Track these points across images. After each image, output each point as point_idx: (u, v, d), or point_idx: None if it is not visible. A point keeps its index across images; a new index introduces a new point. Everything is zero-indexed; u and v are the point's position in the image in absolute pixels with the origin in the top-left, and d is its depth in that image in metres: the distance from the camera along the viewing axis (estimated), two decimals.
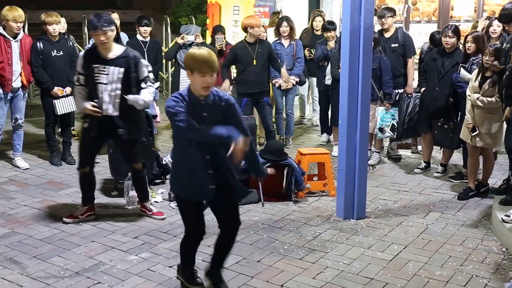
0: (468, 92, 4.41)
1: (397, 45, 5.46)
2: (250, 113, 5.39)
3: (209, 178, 2.79)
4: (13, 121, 5.06)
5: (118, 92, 3.68)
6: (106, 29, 3.60)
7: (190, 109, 2.71)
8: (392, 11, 5.59)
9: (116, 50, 3.72)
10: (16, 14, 4.72)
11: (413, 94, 5.37)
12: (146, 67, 3.81)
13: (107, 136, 3.86)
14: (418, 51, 6.07)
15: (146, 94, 3.76)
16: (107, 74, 3.66)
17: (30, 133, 6.25)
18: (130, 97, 3.69)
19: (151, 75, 3.86)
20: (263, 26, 5.99)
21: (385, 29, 5.46)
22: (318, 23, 6.40)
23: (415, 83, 5.68)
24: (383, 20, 5.41)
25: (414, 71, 5.58)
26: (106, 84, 3.67)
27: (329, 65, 5.69)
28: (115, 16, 5.72)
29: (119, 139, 3.83)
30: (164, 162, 4.82)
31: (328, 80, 5.97)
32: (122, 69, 3.67)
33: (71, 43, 5.35)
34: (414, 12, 7.61)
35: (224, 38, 5.99)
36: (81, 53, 3.90)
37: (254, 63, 5.31)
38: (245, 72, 5.35)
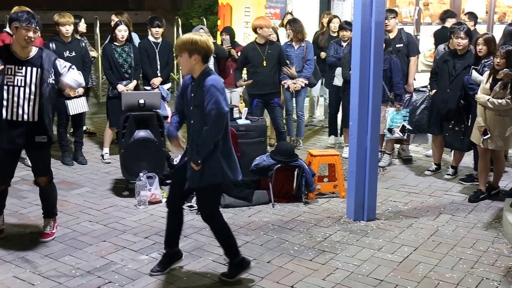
0: (478, 94, 4.38)
1: (401, 45, 5.48)
2: (261, 114, 5.40)
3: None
4: None
5: (36, 95, 3.38)
6: (38, 28, 3.31)
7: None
8: (394, 12, 5.65)
9: (33, 51, 3.41)
10: None
11: (413, 93, 5.37)
12: (64, 65, 3.55)
13: (18, 145, 3.50)
14: (429, 53, 6.05)
15: (73, 73, 3.51)
16: (23, 76, 3.34)
17: None
18: (63, 79, 3.44)
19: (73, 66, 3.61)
20: (273, 27, 6.01)
21: (388, 31, 5.47)
22: (335, 24, 6.40)
23: (418, 83, 5.68)
24: (386, 21, 5.41)
25: (415, 70, 5.58)
26: (21, 86, 3.35)
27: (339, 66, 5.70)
28: (125, 17, 5.78)
29: (31, 148, 3.54)
30: (175, 163, 4.85)
31: (337, 81, 5.97)
32: (39, 70, 3.36)
33: (83, 44, 5.41)
34: (425, 12, 7.57)
35: (234, 38, 6.01)
36: None
37: (264, 64, 5.33)
38: (256, 73, 5.38)
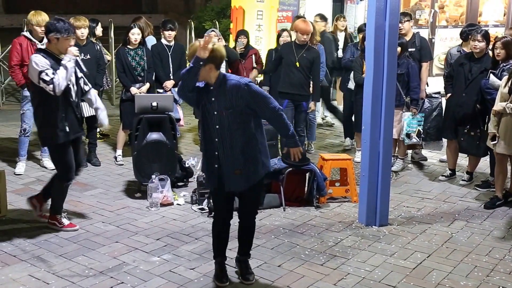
0: (495, 106, 4.31)
1: (413, 49, 5.43)
2: (292, 116, 5.35)
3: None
4: None
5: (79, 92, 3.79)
6: (74, 36, 3.76)
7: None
8: (408, 15, 5.58)
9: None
10: (39, 19, 4.84)
11: (426, 99, 5.31)
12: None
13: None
14: (443, 56, 5.99)
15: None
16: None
17: None
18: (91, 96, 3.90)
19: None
20: (286, 30, 6.01)
21: (402, 34, 5.42)
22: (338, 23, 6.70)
23: (432, 87, 5.63)
24: (400, 25, 5.37)
25: (427, 75, 5.53)
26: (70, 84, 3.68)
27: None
28: (143, 21, 5.85)
29: (78, 141, 3.86)
30: (186, 165, 4.87)
31: (351, 84, 5.93)
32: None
33: (98, 47, 5.46)
34: (442, 15, 7.50)
35: (248, 42, 6.03)
36: (41, 55, 3.61)
37: (298, 65, 5.31)
38: (288, 72, 5.36)
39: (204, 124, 3.08)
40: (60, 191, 3.84)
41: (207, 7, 11.86)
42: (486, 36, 4.72)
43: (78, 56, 3.74)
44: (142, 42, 5.41)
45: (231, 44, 6.50)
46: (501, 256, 3.59)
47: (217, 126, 2.98)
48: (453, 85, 4.98)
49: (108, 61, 6.45)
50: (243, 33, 6.08)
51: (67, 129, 3.65)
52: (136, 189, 4.64)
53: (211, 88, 3.01)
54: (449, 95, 5.05)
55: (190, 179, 4.91)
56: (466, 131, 4.83)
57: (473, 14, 7.59)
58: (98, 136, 5.89)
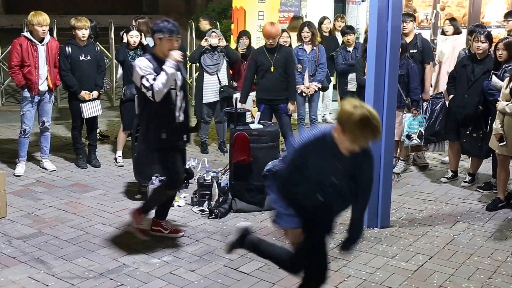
0: (499, 103, 4.29)
1: (415, 51, 5.40)
2: (268, 120, 5.33)
3: None
4: (41, 124, 5.18)
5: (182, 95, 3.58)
6: (179, 36, 3.51)
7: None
8: (412, 16, 5.55)
9: None
10: (40, 19, 4.83)
11: (430, 100, 5.29)
12: None
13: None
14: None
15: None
16: (178, 80, 3.53)
17: (57, 135, 6.38)
18: None
19: None
20: (286, 30, 5.98)
21: (404, 34, 5.40)
22: (327, 25, 6.78)
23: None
24: (404, 25, 5.35)
25: (431, 77, 5.49)
26: (175, 89, 3.51)
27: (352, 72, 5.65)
28: (142, 23, 5.81)
29: (178, 148, 3.67)
30: (187, 167, 4.83)
31: (351, 87, 5.92)
32: (179, 74, 3.55)
33: (98, 48, 5.45)
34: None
35: (250, 43, 6.01)
36: (146, 58, 3.46)
37: (272, 70, 5.24)
38: (263, 78, 5.31)
39: None
40: (160, 197, 3.67)
41: (208, 7, 11.87)
42: (488, 37, 4.71)
43: (181, 61, 3.51)
44: (141, 43, 5.36)
45: (232, 45, 6.48)
46: (503, 258, 3.57)
47: (337, 201, 2.57)
48: (455, 86, 4.96)
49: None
50: (245, 34, 6.06)
51: (164, 136, 3.48)
52: (136, 191, 4.63)
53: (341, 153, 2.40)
54: (451, 96, 5.03)
55: (190, 181, 4.88)
56: (468, 132, 4.81)
57: (475, 15, 7.56)
58: (98, 137, 5.87)
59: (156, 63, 3.41)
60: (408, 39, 5.40)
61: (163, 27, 3.42)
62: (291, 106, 5.35)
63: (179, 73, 3.52)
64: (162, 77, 3.35)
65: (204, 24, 6.36)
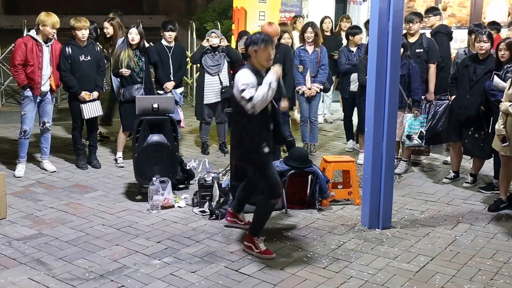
0: (501, 103, 4.28)
1: (421, 50, 5.38)
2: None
3: None
4: (41, 124, 5.16)
5: None
6: (274, 47, 3.58)
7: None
8: (420, 16, 5.52)
9: None
10: (55, 20, 4.87)
11: (434, 101, 5.26)
12: None
13: None
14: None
15: None
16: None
17: (58, 136, 6.38)
18: None
19: None
20: (287, 31, 5.96)
21: (410, 34, 5.38)
22: (328, 24, 6.76)
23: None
24: (411, 24, 5.34)
25: (435, 78, 5.48)
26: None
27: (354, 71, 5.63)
28: (116, 22, 5.91)
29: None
30: (188, 167, 4.83)
31: (354, 87, 5.90)
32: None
33: (98, 48, 5.44)
34: (450, 18, 7.45)
35: None
36: (249, 70, 3.44)
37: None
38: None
39: None
40: (268, 210, 3.61)
41: (209, 8, 11.86)
42: (490, 37, 4.69)
43: (281, 74, 3.47)
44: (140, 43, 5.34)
45: (233, 46, 6.46)
46: (505, 259, 3.56)
47: None
48: (457, 87, 4.94)
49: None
50: (246, 34, 6.05)
51: (267, 150, 3.47)
52: (137, 192, 4.62)
53: None
54: (453, 97, 5.01)
55: (191, 181, 4.88)
56: (470, 133, 4.79)
57: (477, 15, 7.55)
58: (98, 138, 5.87)
59: (256, 75, 3.40)
60: (413, 39, 5.38)
61: (255, 39, 3.43)
62: (282, 103, 5.30)
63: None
64: (262, 90, 3.30)
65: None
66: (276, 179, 3.55)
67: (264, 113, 3.44)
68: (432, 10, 6.09)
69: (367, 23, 6.12)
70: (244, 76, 3.37)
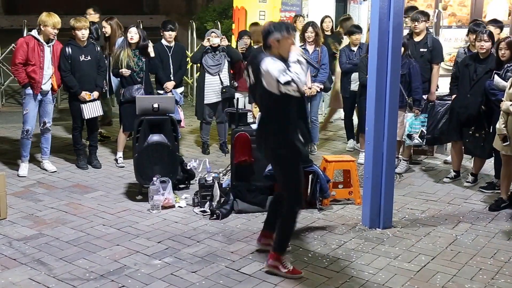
0: (503, 103, 4.27)
1: (425, 50, 5.36)
2: None
3: None
4: (41, 124, 5.16)
5: None
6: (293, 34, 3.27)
7: None
8: (426, 15, 5.49)
9: None
10: (56, 21, 4.86)
11: (436, 101, 5.25)
12: None
13: None
14: (449, 57, 5.93)
15: None
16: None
17: (58, 136, 6.38)
18: None
19: None
20: None
21: (416, 33, 5.36)
22: (328, 24, 6.66)
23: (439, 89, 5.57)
24: (416, 23, 5.32)
25: (438, 78, 5.46)
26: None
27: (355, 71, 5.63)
28: (114, 22, 5.94)
29: None
30: (188, 167, 4.83)
31: (354, 86, 5.89)
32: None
33: (98, 48, 5.44)
34: (451, 18, 7.43)
35: (251, 43, 6.00)
36: (270, 58, 3.17)
37: None
38: None
39: None
40: (292, 220, 3.29)
41: (209, 7, 11.86)
42: (491, 36, 4.69)
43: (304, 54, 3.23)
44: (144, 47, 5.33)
45: (233, 45, 6.46)
46: (506, 259, 3.55)
47: None
48: (458, 86, 4.94)
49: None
50: (246, 33, 6.05)
51: (301, 148, 3.23)
52: (137, 192, 4.61)
53: None
54: (454, 96, 5.00)
55: (191, 181, 4.88)
56: (471, 132, 4.79)
57: (477, 14, 7.54)
58: (99, 138, 5.86)
59: (282, 61, 3.14)
60: (418, 38, 5.36)
61: (279, 27, 3.19)
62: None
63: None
64: (296, 67, 3.06)
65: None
66: (302, 186, 3.32)
67: (301, 105, 3.26)
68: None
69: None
70: (273, 65, 3.07)
